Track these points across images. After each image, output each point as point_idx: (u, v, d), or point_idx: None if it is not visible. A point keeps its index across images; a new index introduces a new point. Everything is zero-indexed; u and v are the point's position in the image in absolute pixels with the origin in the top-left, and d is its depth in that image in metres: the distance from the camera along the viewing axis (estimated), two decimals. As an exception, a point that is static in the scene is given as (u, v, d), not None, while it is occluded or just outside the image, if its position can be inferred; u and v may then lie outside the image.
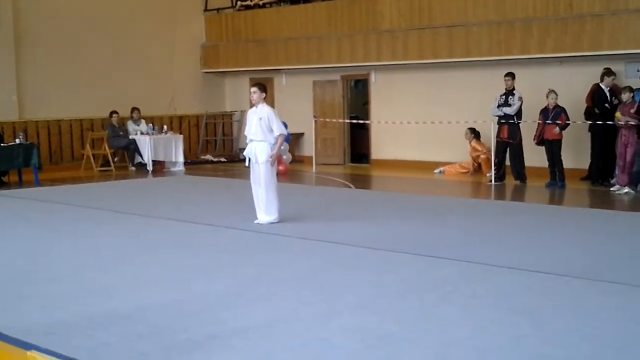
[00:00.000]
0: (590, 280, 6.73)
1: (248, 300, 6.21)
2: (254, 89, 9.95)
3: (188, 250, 8.45)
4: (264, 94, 9.94)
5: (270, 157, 9.80)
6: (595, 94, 13.71)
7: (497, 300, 6.13)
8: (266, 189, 9.83)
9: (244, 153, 10.26)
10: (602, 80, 13.68)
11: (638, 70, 14.23)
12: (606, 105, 13.49)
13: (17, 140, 15.21)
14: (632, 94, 12.76)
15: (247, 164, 10.18)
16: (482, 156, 15.75)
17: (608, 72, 13.67)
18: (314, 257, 7.98)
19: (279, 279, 6.99)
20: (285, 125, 16.53)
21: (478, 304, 6.02)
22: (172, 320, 5.66)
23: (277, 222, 9.85)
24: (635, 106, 12.64)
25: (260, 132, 9.79)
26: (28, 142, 15.45)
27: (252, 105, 10.23)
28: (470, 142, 15.88)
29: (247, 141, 10.06)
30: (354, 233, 9.23)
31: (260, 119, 9.77)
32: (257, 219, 9.95)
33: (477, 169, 15.97)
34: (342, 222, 10.08)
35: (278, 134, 9.83)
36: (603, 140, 13.55)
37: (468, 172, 15.98)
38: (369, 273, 7.15)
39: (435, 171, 16.38)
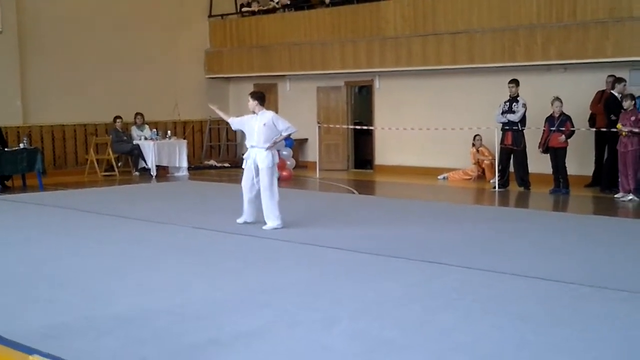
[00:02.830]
0: (593, 287, 6.71)
1: (250, 305, 6.21)
2: (250, 98, 10.07)
3: (191, 255, 8.45)
4: (261, 104, 10.04)
5: (273, 143, 9.92)
6: (610, 101, 13.60)
7: (500, 306, 6.11)
8: (267, 196, 9.84)
9: (244, 156, 10.29)
10: (613, 88, 13.62)
11: (643, 77, 14.24)
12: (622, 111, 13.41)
13: (21, 145, 15.21)
14: (633, 102, 12.74)
15: (243, 165, 10.24)
16: (486, 162, 15.75)
17: (618, 79, 13.61)
18: (316, 263, 7.98)
19: (281, 284, 6.99)
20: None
21: (481, 310, 6.01)
22: (174, 325, 5.66)
23: (281, 228, 9.84)
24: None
25: (263, 138, 9.83)
26: (32, 147, 15.44)
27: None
28: (478, 148, 15.88)
29: (249, 146, 10.08)
30: (356, 239, 9.21)
31: (264, 124, 9.82)
32: (240, 218, 10.18)
33: (481, 174, 15.97)
34: (345, 228, 10.06)
35: (286, 132, 10.00)
36: (611, 146, 13.47)
37: (471, 178, 15.98)
38: (371, 279, 7.14)
39: (439, 177, 16.38)
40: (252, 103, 10.02)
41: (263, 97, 10.23)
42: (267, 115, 9.93)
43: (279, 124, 9.90)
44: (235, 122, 10.46)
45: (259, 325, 5.65)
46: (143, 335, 5.42)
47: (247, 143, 10.12)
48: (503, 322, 5.67)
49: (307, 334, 5.45)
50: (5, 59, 16.70)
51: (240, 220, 10.22)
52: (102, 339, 5.35)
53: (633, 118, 12.54)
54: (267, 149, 9.80)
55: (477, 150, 15.94)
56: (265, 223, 9.90)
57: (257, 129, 9.88)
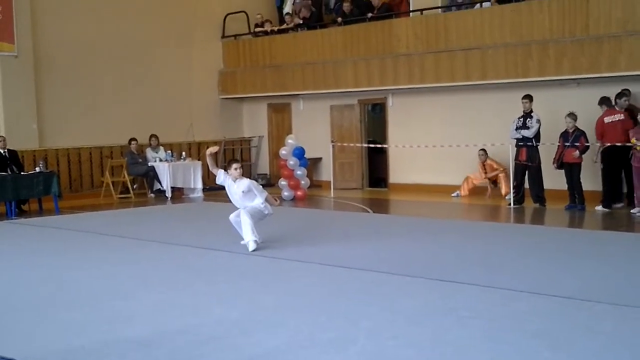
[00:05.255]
0: (610, 304, 6.65)
1: (265, 326, 6.20)
2: (237, 165, 10.28)
3: (206, 276, 8.46)
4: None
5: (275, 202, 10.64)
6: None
7: (516, 324, 6.07)
8: (246, 215, 10.04)
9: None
10: (615, 103, 13.52)
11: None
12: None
13: (38, 169, 15.30)
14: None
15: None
16: (500, 174, 15.68)
17: (619, 94, 13.48)
18: (330, 283, 7.95)
19: (296, 304, 6.98)
20: (303, 151, 16.74)
21: (496, 328, 5.97)
22: (190, 347, 5.65)
23: (255, 249, 9.89)
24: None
25: (244, 201, 10.20)
26: (48, 171, 15.51)
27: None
28: (484, 163, 15.82)
29: (236, 205, 10.43)
30: (371, 258, 9.20)
31: (243, 192, 10.17)
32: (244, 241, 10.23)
33: (493, 187, 15.89)
34: (360, 247, 10.05)
35: (263, 198, 10.23)
36: (612, 163, 13.37)
37: (479, 184, 15.91)
38: (385, 298, 7.12)
39: (452, 194, 16.33)
40: (237, 169, 10.27)
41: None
42: (244, 182, 10.24)
43: (256, 192, 10.22)
44: (219, 177, 10.50)
45: (274, 345, 5.64)
46: (160, 357, 5.42)
47: (233, 202, 10.44)
48: (519, 340, 5.63)
49: (323, 354, 5.43)
50: (21, 83, 16.83)
51: (244, 242, 10.23)
52: (118, 362, 5.36)
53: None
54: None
55: (483, 165, 15.86)
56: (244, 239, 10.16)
57: (240, 195, 10.23)
